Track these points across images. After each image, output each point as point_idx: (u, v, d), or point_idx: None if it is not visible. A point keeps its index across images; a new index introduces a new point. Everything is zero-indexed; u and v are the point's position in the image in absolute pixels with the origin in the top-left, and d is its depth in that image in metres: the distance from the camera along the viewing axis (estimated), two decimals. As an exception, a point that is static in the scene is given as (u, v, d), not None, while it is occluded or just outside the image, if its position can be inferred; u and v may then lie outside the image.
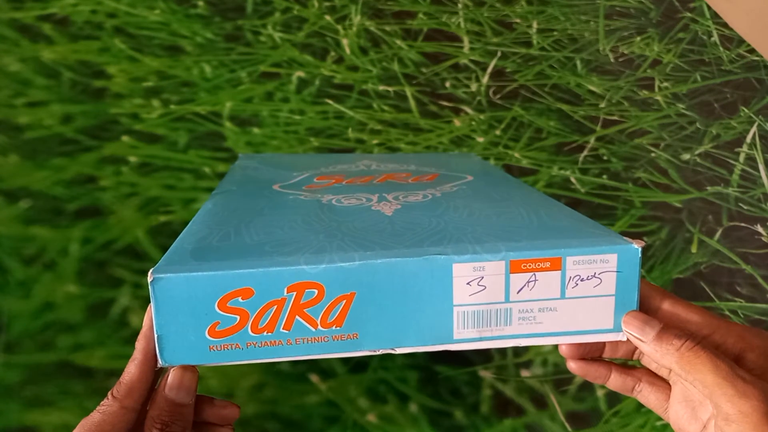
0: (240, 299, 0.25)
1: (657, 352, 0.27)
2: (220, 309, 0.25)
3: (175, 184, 0.62)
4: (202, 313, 0.25)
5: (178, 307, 0.25)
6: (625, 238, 0.29)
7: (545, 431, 0.52)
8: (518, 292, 0.27)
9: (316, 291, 0.25)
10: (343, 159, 0.52)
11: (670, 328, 0.28)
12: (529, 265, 0.27)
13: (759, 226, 0.72)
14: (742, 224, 0.71)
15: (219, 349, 0.26)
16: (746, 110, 0.87)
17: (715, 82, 0.91)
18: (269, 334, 0.25)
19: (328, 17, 0.86)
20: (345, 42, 0.83)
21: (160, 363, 0.28)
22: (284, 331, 0.25)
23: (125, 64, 0.73)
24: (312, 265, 0.25)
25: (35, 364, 0.49)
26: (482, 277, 0.27)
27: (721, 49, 0.98)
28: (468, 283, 0.27)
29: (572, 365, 0.34)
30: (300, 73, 0.76)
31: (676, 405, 0.30)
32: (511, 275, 0.27)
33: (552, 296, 0.28)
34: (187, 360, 0.27)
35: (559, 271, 0.27)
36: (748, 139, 0.83)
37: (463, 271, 0.27)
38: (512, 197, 0.35)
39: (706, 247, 0.68)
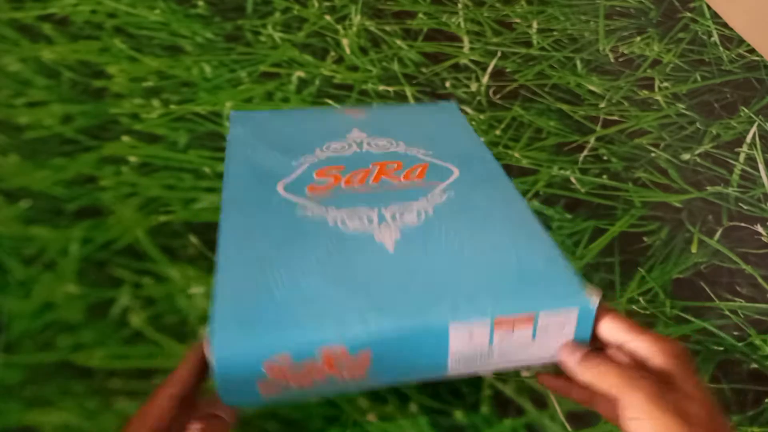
0: (280, 360, 0.31)
1: (580, 375, 0.34)
2: (265, 369, 0.31)
3: (175, 184, 0.62)
4: (251, 373, 0.31)
5: (233, 369, 0.31)
6: (587, 288, 0.35)
7: (545, 431, 0.52)
8: (500, 340, 0.34)
9: (340, 350, 0.31)
10: (333, 131, 0.50)
11: (587, 354, 0.34)
12: (510, 321, 0.34)
13: (759, 226, 0.72)
14: (742, 224, 0.71)
15: (268, 395, 0.32)
16: (746, 110, 0.87)
17: (715, 82, 0.91)
18: (306, 385, 0.32)
19: (328, 17, 0.86)
20: (345, 42, 0.83)
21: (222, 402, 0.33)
22: (317, 379, 0.32)
23: (125, 64, 0.73)
24: (338, 334, 0.31)
25: (35, 364, 0.49)
26: (472, 331, 0.33)
27: (721, 49, 0.98)
28: (460, 335, 0.33)
29: (542, 380, 0.40)
30: (300, 73, 0.76)
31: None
32: (495, 328, 0.34)
33: (525, 339, 0.34)
34: (244, 403, 0.32)
35: (533, 322, 0.34)
36: (748, 139, 0.83)
37: (457, 328, 0.33)
38: (494, 215, 0.40)
39: (706, 247, 0.68)
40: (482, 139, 0.74)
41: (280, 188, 0.42)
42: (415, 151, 0.47)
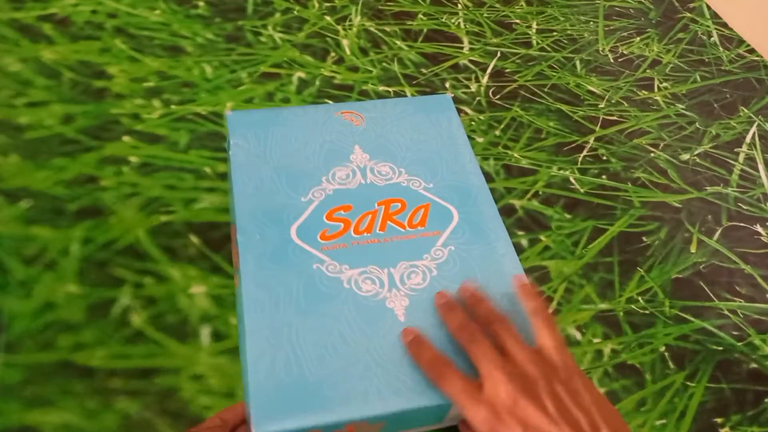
0: None
1: None
2: None
3: (176, 184, 0.62)
4: None
5: None
6: None
7: (545, 431, 0.52)
8: None
9: (362, 423, 0.38)
10: (336, 150, 0.52)
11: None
12: None
13: (758, 226, 0.72)
14: (742, 224, 0.72)
15: None
16: (746, 110, 0.87)
17: (714, 83, 0.91)
18: None
19: (328, 18, 0.86)
20: (345, 42, 0.83)
21: None
22: None
23: (126, 64, 0.73)
24: (362, 414, 0.37)
25: (36, 364, 0.49)
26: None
27: (720, 49, 0.98)
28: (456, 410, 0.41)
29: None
30: (300, 74, 0.77)
31: None
32: None
33: None
34: None
35: None
36: (748, 139, 0.83)
37: (454, 408, 0.40)
38: (489, 282, 0.46)
39: (706, 247, 0.68)
40: (481, 138, 0.74)
41: (293, 233, 0.46)
42: (416, 183, 0.51)
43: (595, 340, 0.57)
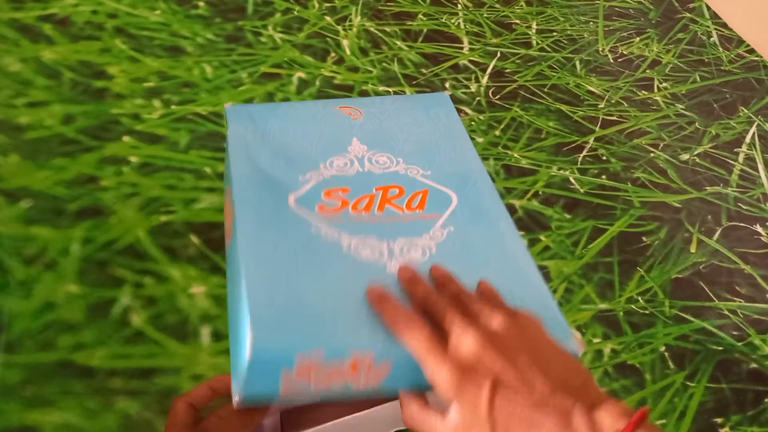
0: (313, 356, 0.33)
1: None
2: (297, 363, 0.33)
3: (176, 184, 0.62)
4: (283, 364, 0.33)
5: (267, 357, 0.33)
6: (574, 336, 0.38)
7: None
8: None
9: (368, 356, 0.34)
10: (334, 141, 0.52)
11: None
12: None
13: (758, 226, 0.72)
14: (742, 224, 0.72)
15: (285, 394, 0.33)
16: (745, 110, 0.87)
17: (714, 83, 0.92)
18: (323, 389, 0.34)
19: (328, 18, 0.86)
20: (345, 43, 0.83)
21: (237, 399, 0.34)
22: (335, 384, 0.34)
23: (126, 64, 0.73)
24: (371, 338, 0.34)
25: (36, 364, 0.49)
26: None
27: (720, 49, 0.98)
28: None
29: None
30: (300, 74, 0.77)
31: None
32: None
33: None
34: (259, 398, 0.34)
35: None
36: (747, 139, 0.83)
37: None
38: (491, 260, 0.43)
39: (705, 247, 0.68)
40: (481, 138, 0.74)
41: (291, 200, 0.44)
42: (414, 171, 0.50)
43: (595, 340, 0.57)
